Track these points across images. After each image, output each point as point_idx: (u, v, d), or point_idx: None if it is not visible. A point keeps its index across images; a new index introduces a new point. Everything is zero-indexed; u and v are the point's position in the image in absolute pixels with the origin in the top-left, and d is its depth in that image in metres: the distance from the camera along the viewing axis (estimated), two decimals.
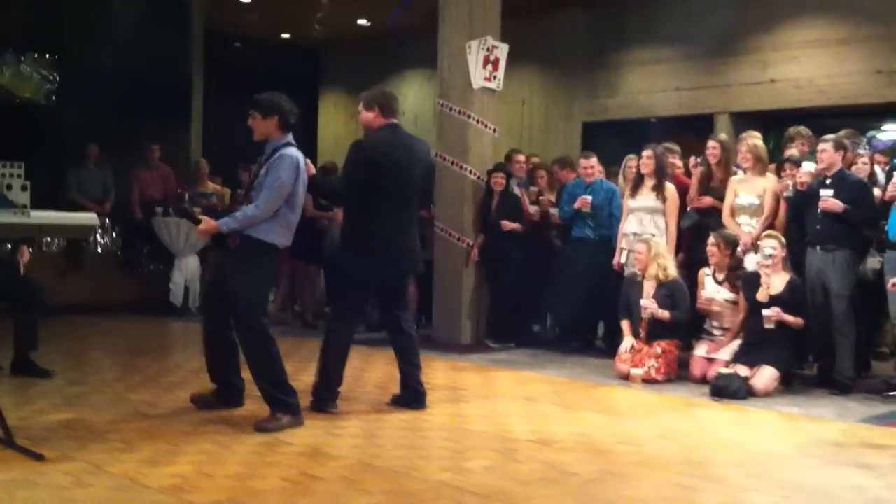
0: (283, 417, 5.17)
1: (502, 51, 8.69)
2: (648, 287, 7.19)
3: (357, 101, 5.90)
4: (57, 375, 6.45)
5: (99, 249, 10.62)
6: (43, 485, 4.03)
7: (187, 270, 10.24)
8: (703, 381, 6.82)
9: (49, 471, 4.24)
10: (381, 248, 5.55)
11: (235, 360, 5.59)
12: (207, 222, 5.30)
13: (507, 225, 8.44)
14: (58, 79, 11.47)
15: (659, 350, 6.99)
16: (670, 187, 7.70)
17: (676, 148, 8.41)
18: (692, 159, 7.85)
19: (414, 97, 14.85)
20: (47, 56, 11.53)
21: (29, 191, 10.53)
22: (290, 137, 5.38)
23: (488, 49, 8.60)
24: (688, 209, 7.75)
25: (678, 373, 7.09)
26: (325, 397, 5.60)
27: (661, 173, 7.71)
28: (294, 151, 5.31)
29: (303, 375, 6.34)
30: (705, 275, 7.18)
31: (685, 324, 7.23)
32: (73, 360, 7.24)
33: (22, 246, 6.41)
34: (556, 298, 8.65)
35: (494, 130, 8.80)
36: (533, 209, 8.77)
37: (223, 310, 5.37)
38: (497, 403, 6.12)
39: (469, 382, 6.80)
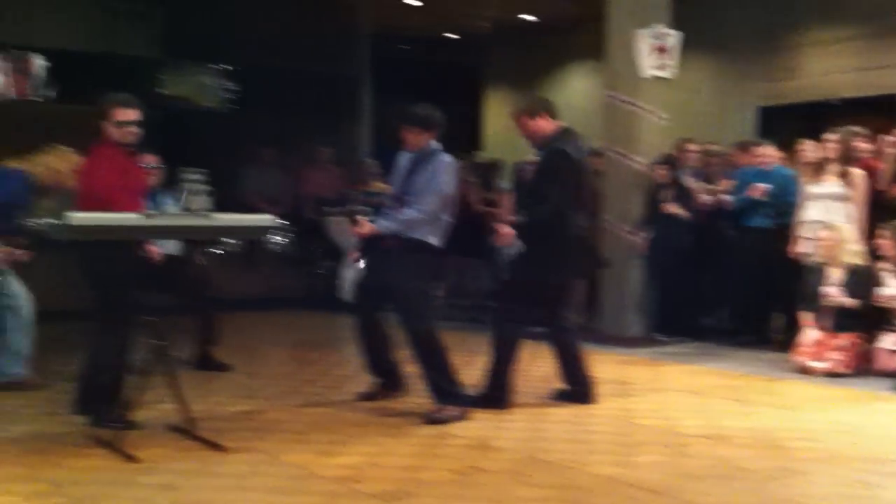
0: (449, 409, 5.20)
1: (675, 38, 8.47)
2: (833, 275, 6.83)
3: (517, 105, 5.81)
4: (236, 369, 6.73)
5: (273, 247, 11.00)
6: (223, 474, 4.20)
7: (356, 267, 10.45)
8: (888, 374, 6.43)
9: (229, 460, 4.41)
10: (574, 251, 5.53)
11: (389, 348, 5.72)
12: (365, 225, 5.40)
13: (672, 208, 8.20)
14: (233, 87, 11.97)
15: (844, 342, 6.64)
16: (858, 173, 7.27)
17: (864, 131, 7.93)
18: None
19: (580, 90, 14.67)
20: (223, 66, 12.04)
21: (210, 196, 11.02)
22: (437, 144, 5.51)
23: (659, 37, 8.41)
24: None
25: (863, 366, 6.70)
26: (497, 397, 5.56)
27: (846, 158, 7.29)
28: (448, 158, 5.42)
29: (469, 368, 6.35)
30: (885, 271, 6.76)
31: (872, 314, 6.83)
32: (250, 355, 7.51)
33: (203, 247, 6.71)
34: (729, 289, 8.35)
35: (666, 120, 8.58)
36: (706, 198, 8.48)
37: (373, 305, 5.45)
38: (666, 397, 5.97)
39: (637, 376, 6.66)
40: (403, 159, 5.55)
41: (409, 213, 5.33)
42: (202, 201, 10.33)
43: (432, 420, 5.14)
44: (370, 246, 5.61)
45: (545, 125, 5.61)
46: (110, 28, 12.38)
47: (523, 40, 15.08)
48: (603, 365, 6.85)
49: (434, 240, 5.37)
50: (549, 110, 5.68)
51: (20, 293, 6.00)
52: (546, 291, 5.61)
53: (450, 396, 5.25)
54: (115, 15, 12.42)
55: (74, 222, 4.24)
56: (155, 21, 12.74)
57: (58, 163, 5.73)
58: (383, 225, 5.38)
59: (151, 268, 6.01)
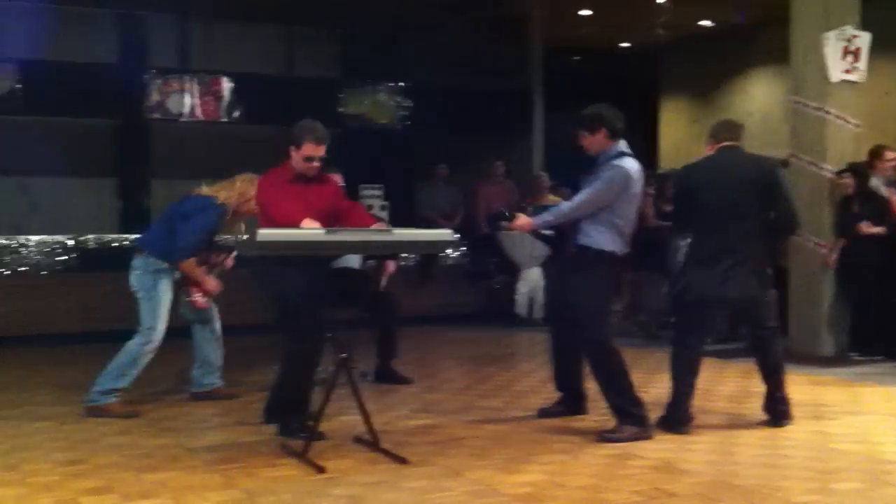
0: (629, 429, 5.06)
1: (864, 40, 8.04)
2: None
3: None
4: (415, 382, 6.80)
5: (448, 262, 11.11)
6: (406, 488, 4.22)
7: (531, 281, 10.42)
8: None
9: (411, 474, 4.43)
10: (719, 269, 5.26)
11: (580, 369, 5.59)
12: (522, 218, 5.38)
13: (867, 229, 7.75)
14: (408, 105, 12.19)
15: None
16: None
17: None
18: None
19: (762, 96, 14.16)
20: (398, 84, 12.29)
21: (388, 210, 11.31)
22: (621, 146, 5.29)
23: (847, 39, 8.00)
24: None
25: None
26: (677, 418, 5.36)
27: None
28: (626, 163, 5.22)
29: (650, 387, 6.20)
30: None
31: None
32: (428, 369, 7.59)
33: (387, 261, 6.82)
34: None
35: (857, 125, 8.14)
36: None
37: (568, 319, 5.36)
38: (865, 421, 5.61)
39: (832, 398, 6.30)
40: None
41: (562, 207, 5.34)
42: (380, 216, 10.55)
43: (610, 439, 5.01)
44: (554, 255, 5.53)
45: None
46: (291, 51, 12.85)
47: (700, 47, 14.70)
48: (795, 385, 6.50)
49: (611, 245, 5.20)
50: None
51: (208, 308, 6.23)
52: (688, 308, 5.39)
53: (630, 416, 5.11)
54: (296, 39, 12.87)
55: (261, 238, 4.37)
56: (333, 43, 13.13)
57: (246, 188, 5.89)
58: (539, 218, 5.36)
59: (335, 281, 6.15)
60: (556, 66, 13.47)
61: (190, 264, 5.88)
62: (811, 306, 8.05)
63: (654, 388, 5.93)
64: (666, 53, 15.31)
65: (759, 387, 5.71)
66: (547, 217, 5.36)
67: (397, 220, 11.33)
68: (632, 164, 5.23)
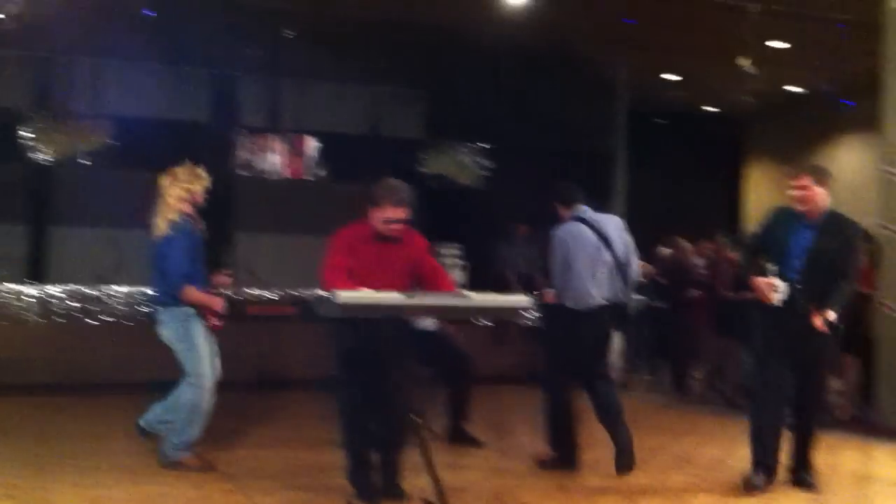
0: None
1: None
2: None
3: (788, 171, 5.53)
4: (487, 444, 6.71)
5: (524, 322, 11.00)
6: None
7: None
8: None
9: None
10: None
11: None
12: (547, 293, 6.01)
13: None
14: (489, 165, 12.25)
15: None
16: None
17: None
18: None
19: (850, 164, 13.87)
20: (480, 144, 12.37)
21: (467, 270, 11.28)
22: (579, 212, 5.98)
23: None
24: None
25: None
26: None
27: None
28: (562, 230, 5.93)
29: (728, 458, 6.02)
30: None
31: None
32: (500, 430, 7.47)
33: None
34: None
35: None
36: None
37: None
38: None
39: None
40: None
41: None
42: (457, 276, 10.55)
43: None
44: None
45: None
46: (377, 111, 13.08)
47: (788, 112, 14.52)
48: (880, 463, 6.28)
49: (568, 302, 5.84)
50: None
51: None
52: None
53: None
54: (382, 98, 13.11)
55: (341, 301, 4.35)
56: (419, 103, 13.33)
57: (187, 185, 5.72)
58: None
59: (410, 341, 6.12)
60: (640, 128, 13.41)
61: (191, 292, 5.67)
62: None
63: (734, 459, 5.73)
64: (754, 117, 15.15)
65: (845, 463, 5.47)
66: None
67: (476, 279, 11.43)
68: (568, 228, 5.92)
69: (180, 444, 5.75)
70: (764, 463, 5.37)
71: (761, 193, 15.50)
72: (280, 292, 10.39)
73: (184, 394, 5.70)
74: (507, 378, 9.80)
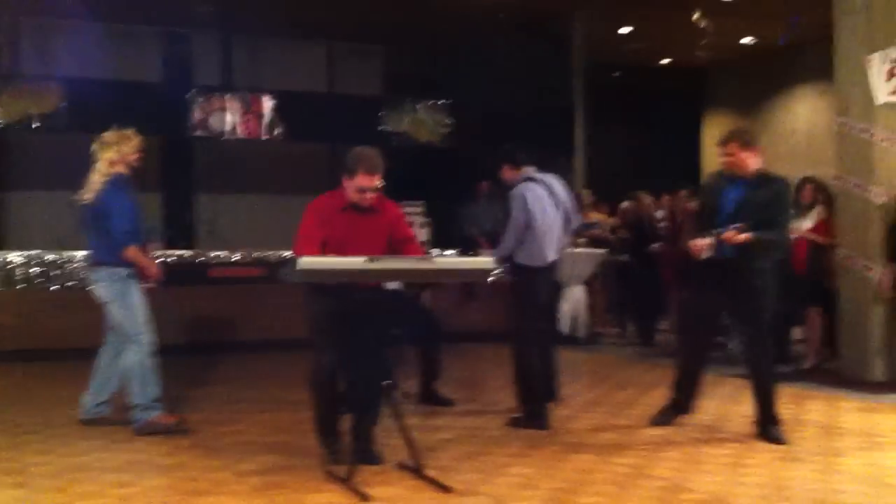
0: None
1: None
2: None
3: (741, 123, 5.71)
4: (458, 404, 6.75)
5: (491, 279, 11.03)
6: None
7: (574, 300, 10.35)
8: None
9: (456, 503, 4.39)
10: None
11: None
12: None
13: None
14: (450, 122, 12.17)
15: None
16: None
17: None
18: None
19: (806, 114, 14.01)
20: (440, 101, 12.27)
21: (429, 228, 11.28)
22: (528, 173, 6.20)
23: (893, 61, 7.86)
24: None
25: None
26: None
27: None
28: (523, 190, 6.08)
29: (698, 412, 6.11)
30: None
31: None
32: (472, 390, 7.53)
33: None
34: None
35: None
36: None
37: None
38: None
39: (885, 427, 6.14)
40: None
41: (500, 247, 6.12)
42: (422, 234, 10.54)
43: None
44: None
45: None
46: (334, 68, 12.92)
47: (744, 63, 14.60)
48: (846, 413, 6.41)
49: (525, 260, 6.06)
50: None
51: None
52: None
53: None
54: (339, 55, 12.95)
55: (302, 266, 4.37)
56: (378, 61, 13.18)
57: (121, 147, 5.81)
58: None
59: (375, 303, 6.11)
60: (599, 82, 13.40)
61: (133, 251, 5.76)
62: (860, 330, 7.90)
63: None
64: (710, 69, 15.21)
65: (810, 414, 5.58)
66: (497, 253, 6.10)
67: (440, 238, 11.42)
68: (529, 188, 6.08)
69: (146, 405, 5.79)
70: (676, 401, 5.93)
71: None
72: (243, 253, 10.29)
73: (127, 357, 5.78)
74: (476, 335, 9.84)
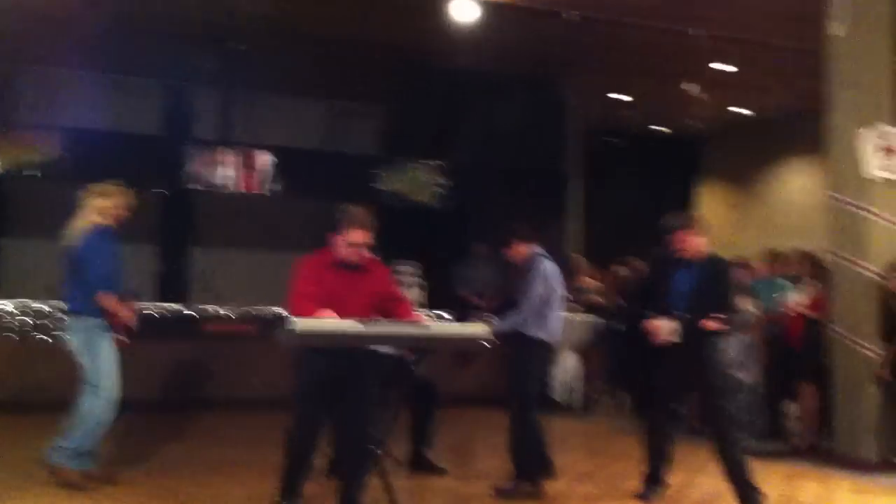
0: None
1: None
2: None
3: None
4: (448, 473, 6.67)
5: (487, 345, 10.98)
6: None
7: (568, 367, 10.30)
8: None
9: None
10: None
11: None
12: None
13: None
14: (445, 183, 12.21)
15: None
16: None
17: None
18: None
19: (800, 186, 14.13)
20: (437, 162, 12.31)
21: (425, 289, 11.22)
22: (536, 248, 6.38)
23: (883, 136, 7.94)
24: None
25: None
26: None
27: None
28: (545, 265, 6.27)
29: (690, 487, 6.05)
30: None
31: None
32: (464, 457, 7.44)
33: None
34: None
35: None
36: None
37: None
38: None
39: None
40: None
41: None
42: (416, 294, 10.49)
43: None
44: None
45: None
46: (333, 126, 13.00)
47: (737, 134, 14.75)
48: (837, 492, 6.36)
49: (543, 335, 6.16)
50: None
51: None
52: None
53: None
54: (338, 114, 13.04)
55: (299, 329, 4.35)
56: (375, 120, 13.27)
57: (114, 199, 5.90)
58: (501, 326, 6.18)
59: (371, 367, 6.08)
60: (595, 148, 13.51)
61: (109, 298, 5.73)
62: (854, 408, 7.85)
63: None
64: (705, 138, 15.36)
65: (803, 495, 5.51)
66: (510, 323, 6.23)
67: (435, 299, 11.40)
68: (548, 265, 6.26)
69: (67, 450, 5.71)
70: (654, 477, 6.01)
71: (713, 212, 15.71)
72: (237, 309, 10.25)
73: (83, 403, 5.73)
74: (468, 400, 9.75)
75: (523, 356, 6.26)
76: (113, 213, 5.90)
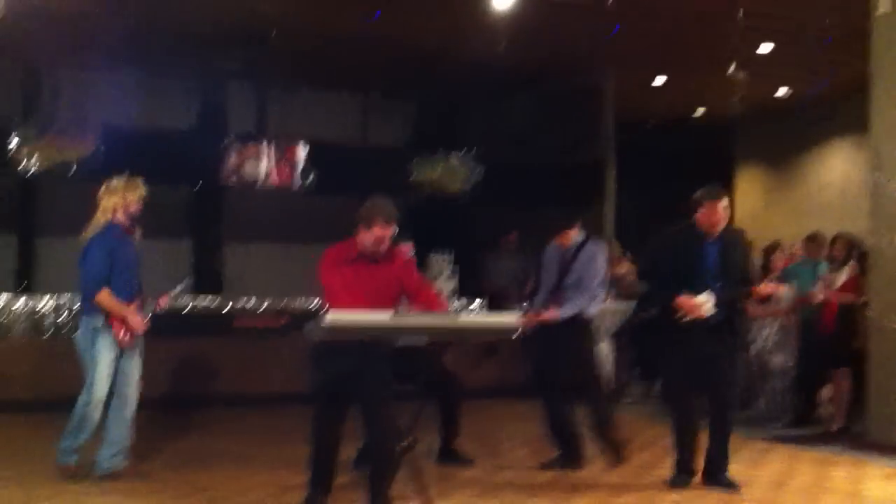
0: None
1: None
2: None
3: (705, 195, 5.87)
4: (477, 463, 6.66)
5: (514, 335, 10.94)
6: None
7: (600, 355, 10.21)
8: None
9: None
10: None
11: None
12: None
13: None
14: (480, 172, 12.14)
15: None
16: None
17: None
18: None
19: (841, 167, 13.88)
20: (471, 151, 12.24)
21: (457, 277, 11.24)
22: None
23: None
24: None
25: None
26: None
27: None
28: (598, 245, 6.72)
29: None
30: None
31: None
32: (492, 447, 7.43)
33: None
34: None
35: None
36: None
37: None
38: None
39: None
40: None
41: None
42: (446, 284, 10.45)
43: None
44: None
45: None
46: (366, 119, 13.04)
47: (777, 117, 14.50)
48: (870, 481, 6.24)
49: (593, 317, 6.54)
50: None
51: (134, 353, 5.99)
52: None
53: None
54: (372, 107, 13.07)
55: (327, 323, 4.33)
56: (408, 113, 13.27)
57: (124, 195, 5.89)
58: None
59: (398, 359, 6.08)
60: (630, 135, 13.36)
61: (104, 296, 5.74)
62: (891, 392, 7.71)
63: None
64: (743, 122, 15.12)
65: (834, 481, 5.42)
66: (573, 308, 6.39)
67: (465, 288, 11.38)
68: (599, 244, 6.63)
69: (65, 447, 5.86)
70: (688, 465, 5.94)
71: (752, 198, 15.51)
72: (269, 303, 10.30)
73: (79, 402, 5.84)
74: (492, 391, 9.73)
75: (578, 337, 6.45)
76: (122, 209, 5.87)
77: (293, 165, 12.12)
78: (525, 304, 10.90)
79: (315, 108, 12.97)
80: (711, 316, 5.67)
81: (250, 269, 12.41)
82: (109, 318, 5.78)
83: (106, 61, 11.12)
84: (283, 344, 9.45)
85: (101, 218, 5.86)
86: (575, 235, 6.63)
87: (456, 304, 10.33)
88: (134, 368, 5.94)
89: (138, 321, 5.85)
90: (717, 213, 5.75)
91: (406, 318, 4.58)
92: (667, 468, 6.25)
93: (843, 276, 8.29)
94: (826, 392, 8.69)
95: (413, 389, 5.96)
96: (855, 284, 8.22)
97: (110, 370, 5.81)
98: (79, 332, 5.90)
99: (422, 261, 11.74)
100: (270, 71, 12.00)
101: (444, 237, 11.50)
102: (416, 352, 6.54)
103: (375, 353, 4.97)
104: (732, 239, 5.92)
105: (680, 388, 6.03)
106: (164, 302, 6.13)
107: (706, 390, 5.89)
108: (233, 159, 11.87)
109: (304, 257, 11.92)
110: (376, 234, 4.95)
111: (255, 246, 12.58)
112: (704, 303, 5.64)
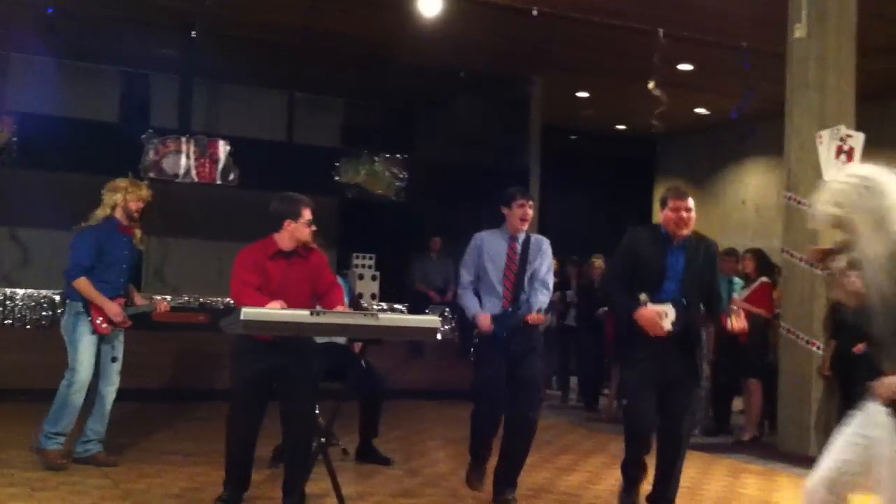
0: None
1: (857, 140, 8.05)
2: None
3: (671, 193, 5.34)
4: (395, 464, 6.65)
5: (438, 337, 10.97)
6: None
7: None
8: None
9: None
10: None
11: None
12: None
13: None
14: (406, 176, 12.14)
15: None
16: None
17: None
18: None
19: (756, 186, 14.27)
20: (397, 156, 12.24)
21: (378, 280, 11.21)
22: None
23: (841, 139, 8.02)
24: None
25: None
26: None
27: None
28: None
29: None
30: None
31: None
32: (411, 449, 7.42)
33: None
34: None
35: None
36: None
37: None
38: None
39: None
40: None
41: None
42: (369, 286, 10.41)
43: None
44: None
45: None
46: (291, 117, 12.91)
47: (697, 134, 14.85)
48: (781, 490, 6.40)
49: None
50: None
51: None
52: None
53: None
54: (298, 105, 12.95)
55: (245, 317, 4.32)
56: (335, 112, 13.19)
57: (125, 194, 6.02)
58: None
59: (326, 356, 6.04)
60: (555, 144, 13.54)
61: (83, 283, 5.89)
62: (799, 405, 7.94)
63: None
64: (664, 138, 15.45)
65: (746, 489, 5.56)
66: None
67: (388, 290, 11.36)
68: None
69: (49, 433, 5.92)
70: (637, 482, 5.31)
71: None
72: (189, 299, 10.15)
73: (61, 385, 5.93)
74: (416, 393, 9.76)
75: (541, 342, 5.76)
76: (122, 207, 6.03)
77: (215, 161, 11.92)
78: (446, 309, 11.04)
79: (241, 104, 12.82)
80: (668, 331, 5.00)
81: (169, 265, 12.20)
82: (90, 305, 5.92)
83: (27, 45, 10.81)
84: (201, 340, 9.32)
85: (100, 213, 6.04)
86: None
87: (375, 306, 10.31)
88: (112, 358, 6.08)
89: (116, 310, 5.95)
90: (681, 213, 5.10)
91: (325, 316, 4.57)
92: (585, 472, 6.33)
93: (749, 291, 8.53)
94: (738, 403, 8.91)
95: (338, 387, 5.94)
96: (764, 298, 8.44)
97: (91, 354, 5.94)
98: (63, 316, 6.06)
99: (345, 262, 11.75)
100: (196, 65, 11.79)
101: (368, 239, 11.47)
102: (343, 350, 6.55)
103: (302, 349, 4.96)
104: (700, 247, 5.24)
105: (638, 413, 5.21)
106: (164, 307, 6.35)
107: (662, 419, 5.17)
108: (152, 153, 11.64)
109: (226, 254, 11.84)
110: (307, 217, 5.04)
111: (174, 241, 12.36)
112: (665, 317, 4.97)
